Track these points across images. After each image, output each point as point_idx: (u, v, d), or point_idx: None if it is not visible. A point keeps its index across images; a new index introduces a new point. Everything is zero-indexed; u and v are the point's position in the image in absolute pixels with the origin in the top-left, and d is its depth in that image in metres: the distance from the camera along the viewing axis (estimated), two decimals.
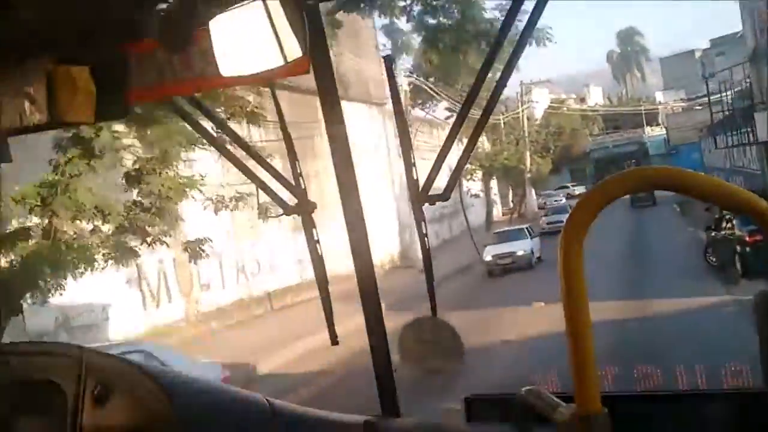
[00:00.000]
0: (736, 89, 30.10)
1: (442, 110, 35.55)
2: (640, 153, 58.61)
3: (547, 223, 33.43)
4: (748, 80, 27.82)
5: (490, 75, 2.00)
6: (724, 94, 31.48)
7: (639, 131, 63.89)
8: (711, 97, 37.10)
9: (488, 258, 25.35)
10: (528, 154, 45.77)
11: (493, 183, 45.26)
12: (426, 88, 32.63)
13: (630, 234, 29.88)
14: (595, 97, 73.00)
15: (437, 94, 32.58)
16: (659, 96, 69.27)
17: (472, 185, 38.39)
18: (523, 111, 46.28)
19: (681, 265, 20.07)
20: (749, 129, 25.02)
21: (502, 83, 1.96)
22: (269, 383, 12.61)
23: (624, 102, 71.43)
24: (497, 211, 46.20)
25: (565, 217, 0.96)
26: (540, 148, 49.77)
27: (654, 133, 63.63)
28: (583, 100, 67.21)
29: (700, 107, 52.05)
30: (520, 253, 24.97)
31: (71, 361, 1.47)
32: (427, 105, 35.64)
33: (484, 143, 40.40)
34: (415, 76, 32.95)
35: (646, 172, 0.98)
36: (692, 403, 1.91)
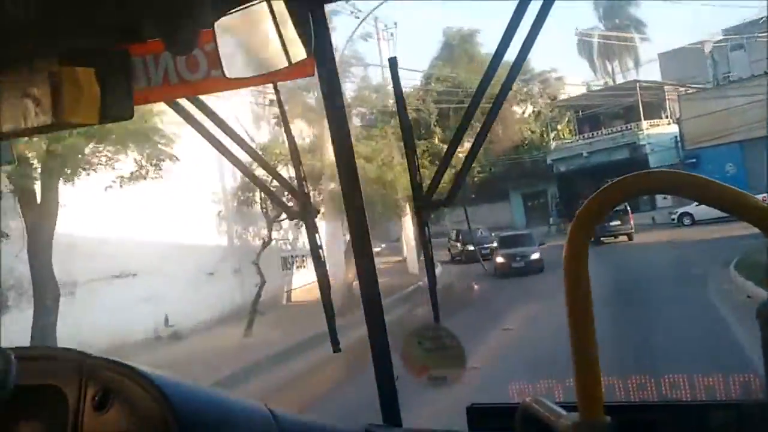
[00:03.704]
0: None
1: None
2: (635, 162, 34.93)
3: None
4: None
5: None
6: None
7: (632, 127, 39.61)
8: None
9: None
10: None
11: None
12: None
13: None
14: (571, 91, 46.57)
15: None
16: None
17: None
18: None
19: None
20: None
21: (508, 82, 1.94)
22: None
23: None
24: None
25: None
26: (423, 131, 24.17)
27: (656, 130, 39.17)
28: (554, 99, 43.31)
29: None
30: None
31: (72, 365, 1.46)
32: None
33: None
34: None
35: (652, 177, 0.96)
36: (695, 413, 1.90)
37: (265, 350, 13.18)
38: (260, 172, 2.74)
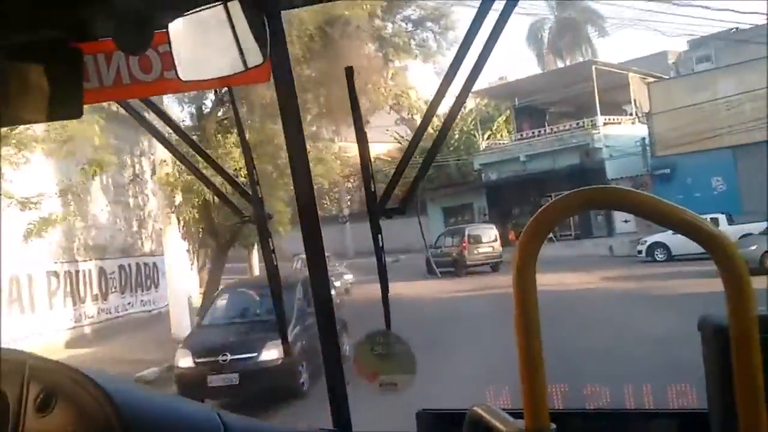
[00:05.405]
0: None
1: None
2: (588, 170, 27.17)
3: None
4: None
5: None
6: None
7: (585, 124, 30.18)
8: None
9: None
10: None
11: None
12: None
13: None
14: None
15: None
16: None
17: None
18: None
19: None
20: None
21: (464, 91, 1.95)
22: None
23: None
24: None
25: None
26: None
27: (616, 130, 29.92)
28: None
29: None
30: None
31: (14, 365, 1.43)
32: None
33: None
34: None
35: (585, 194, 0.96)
36: (638, 421, 1.95)
37: None
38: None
